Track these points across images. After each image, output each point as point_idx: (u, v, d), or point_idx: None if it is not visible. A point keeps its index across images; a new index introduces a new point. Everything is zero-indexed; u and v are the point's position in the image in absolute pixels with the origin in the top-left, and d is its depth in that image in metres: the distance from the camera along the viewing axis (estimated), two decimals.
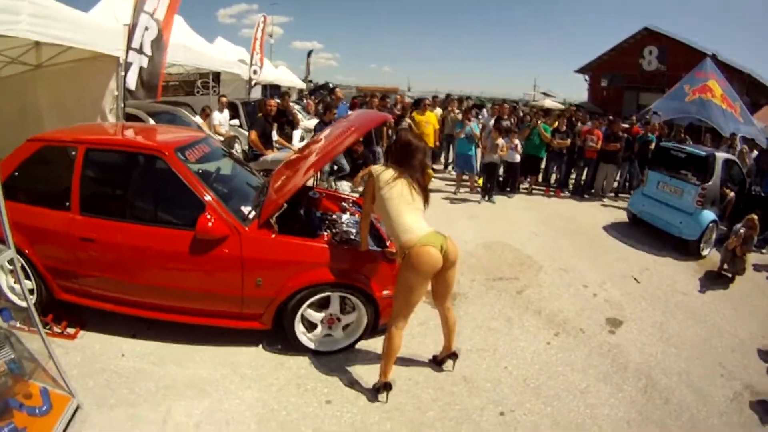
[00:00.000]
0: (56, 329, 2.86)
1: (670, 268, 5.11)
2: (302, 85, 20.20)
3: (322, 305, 2.89)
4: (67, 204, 2.78)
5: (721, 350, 3.45)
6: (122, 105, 5.02)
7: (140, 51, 5.13)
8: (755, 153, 8.38)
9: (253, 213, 2.92)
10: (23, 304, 2.86)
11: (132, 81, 5.08)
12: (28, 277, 2.86)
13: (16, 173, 2.85)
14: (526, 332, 3.37)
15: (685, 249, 5.52)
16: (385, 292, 2.83)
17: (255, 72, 11.24)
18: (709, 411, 2.71)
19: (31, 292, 2.83)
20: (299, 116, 8.52)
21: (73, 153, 2.82)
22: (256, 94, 11.74)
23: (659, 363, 3.13)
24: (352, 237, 3.11)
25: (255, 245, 2.73)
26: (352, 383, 2.68)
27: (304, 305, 2.79)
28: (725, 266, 4.91)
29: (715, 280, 4.84)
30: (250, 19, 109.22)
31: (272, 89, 14.36)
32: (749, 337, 3.69)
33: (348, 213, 3.61)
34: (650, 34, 22.41)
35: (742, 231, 4.81)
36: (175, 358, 2.79)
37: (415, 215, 2.47)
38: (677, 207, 5.73)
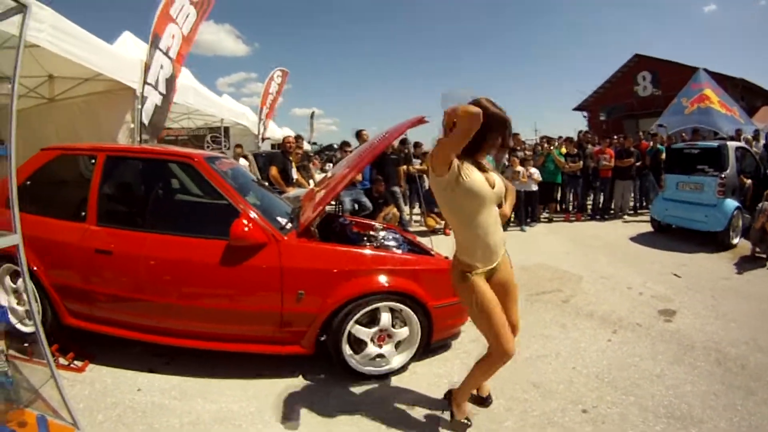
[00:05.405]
0: (62, 361, 2.43)
1: (706, 261, 5.13)
2: (307, 147, 20.51)
3: (370, 321, 2.50)
4: (83, 214, 2.48)
5: None
6: (138, 139, 4.87)
7: (155, 87, 5.09)
8: (762, 142, 8.43)
9: (290, 225, 2.65)
10: (25, 328, 2.48)
11: (146, 116, 4.98)
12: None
13: (28, 182, 2.57)
14: (583, 334, 3.23)
15: (715, 243, 5.49)
16: (438, 303, 2.49)
17: (264, 127, 11.23)
18: None
19: None
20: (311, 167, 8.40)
21: (93, 161, 2.59)
22: (266, 148, 11.70)
23: (723, 338, 3.12)
24: (394, 249, 2.81)
25: (296, 253, 2.41)
26: (414, 404, 2.30)
27: (352, 321, 2.41)
28: (758, 249, 4.92)
29: (751, 262, 4.86)
30: (248, 87, 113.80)
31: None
32: None
33: (384, 231, 3.31)
34: (641, 59, 22.94)
35: (766, 206, 4.79)
36: (200, 393, 2.37)
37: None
38: (700, 202, 5.69)
